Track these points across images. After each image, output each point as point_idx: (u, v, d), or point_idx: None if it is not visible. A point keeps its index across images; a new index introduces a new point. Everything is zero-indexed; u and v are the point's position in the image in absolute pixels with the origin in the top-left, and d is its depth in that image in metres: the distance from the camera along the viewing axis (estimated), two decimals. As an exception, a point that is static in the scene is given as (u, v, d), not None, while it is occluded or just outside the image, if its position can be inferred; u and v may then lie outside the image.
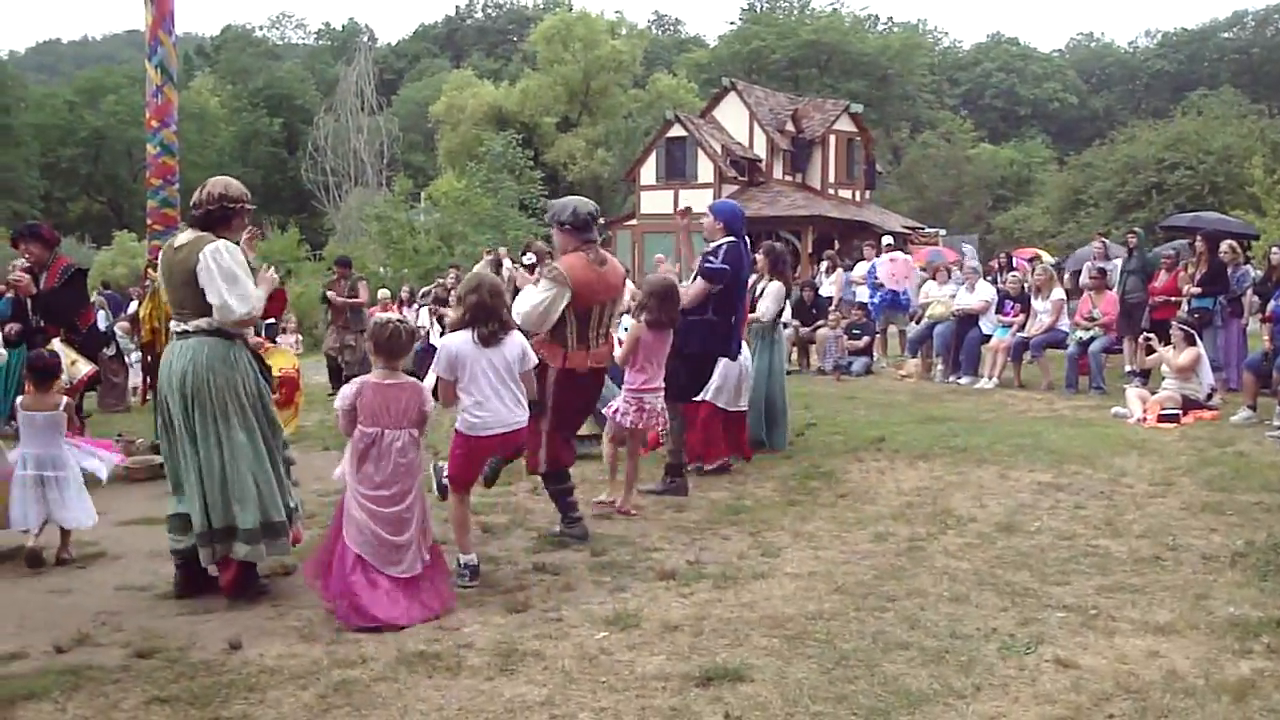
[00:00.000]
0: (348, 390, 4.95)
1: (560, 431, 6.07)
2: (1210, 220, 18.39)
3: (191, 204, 5.10)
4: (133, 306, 15.29)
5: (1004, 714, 3.65)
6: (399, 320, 5.08)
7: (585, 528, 6.05)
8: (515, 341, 5.35)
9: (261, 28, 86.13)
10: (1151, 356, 11.13)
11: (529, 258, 10.02)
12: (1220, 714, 3.60)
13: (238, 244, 5.12)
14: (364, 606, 4.65)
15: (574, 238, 6.03)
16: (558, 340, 5.95)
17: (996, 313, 13.53)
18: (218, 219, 5.06)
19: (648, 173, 33.61)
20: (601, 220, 6.21)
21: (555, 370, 5.94)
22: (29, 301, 8.06)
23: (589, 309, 5.93)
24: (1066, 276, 16.45)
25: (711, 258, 7.12)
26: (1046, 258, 16.96)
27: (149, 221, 8.43)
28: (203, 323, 4.93)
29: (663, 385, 6.70)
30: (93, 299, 13.28)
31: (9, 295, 8.34)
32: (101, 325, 12.97)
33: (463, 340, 5.24)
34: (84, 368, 7.93)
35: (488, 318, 5.23)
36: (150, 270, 8.14)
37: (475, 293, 5.28)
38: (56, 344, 7.85)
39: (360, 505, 4.82)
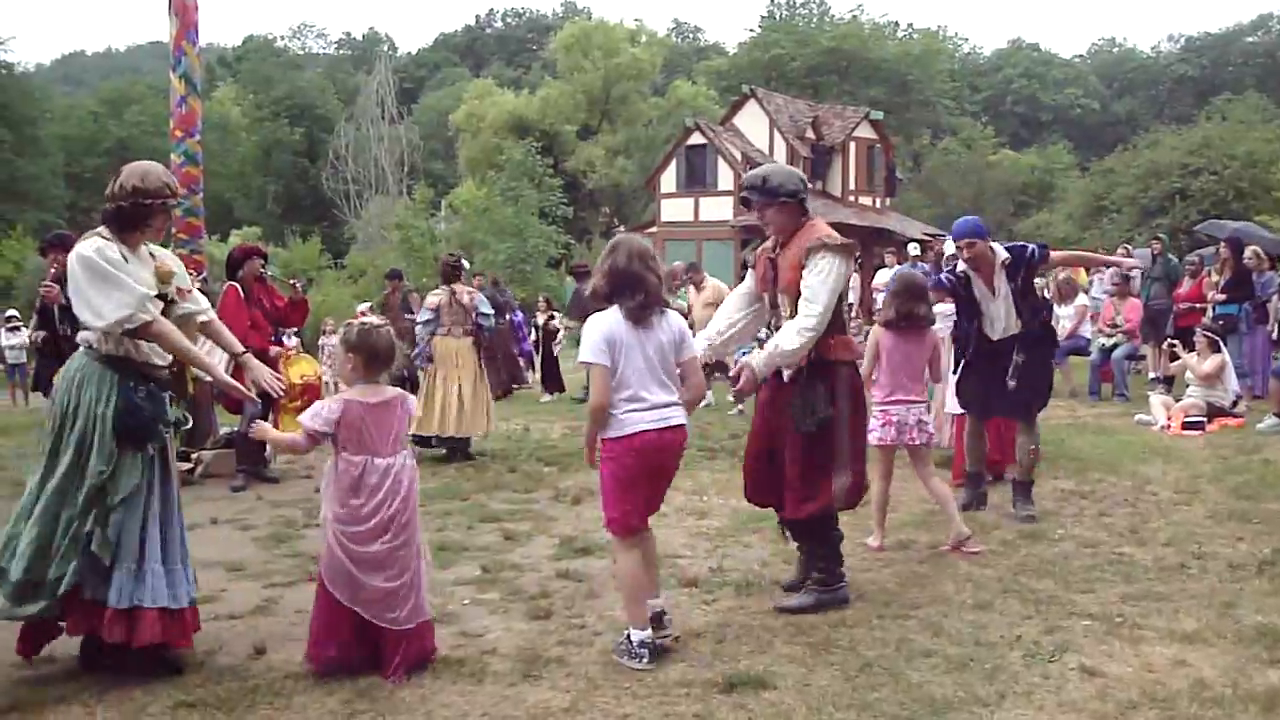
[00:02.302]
0: (327, 411, 4.09)
1: (859, 449, 4.88)
2: (1252, 234, 18.13)
3: (105, 196, 4.29)
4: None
5: (1029, 722, 3.63)
6: (383, 323, 4.27)
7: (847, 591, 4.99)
8: (672, 322, 4.27)
9: (283, 38, 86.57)
10: (1176, 363, 11.07)
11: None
12: (1248, 723, 3.57)
13: (165, 246, 4.42)
14: (340, 659, 4.11)
15: (799, 212, 4.89)
16: (837, 326, 4.81)
17: (1018, 319, 13.47)
18: (129, 218, 4.21)
19: (668, 180, 33.62)
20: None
21: (844, 367, 4.81)
22: (56, 310, 8.13)
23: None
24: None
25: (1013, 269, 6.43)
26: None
27: (174, 230, 8.51)
28: (89, 336, 4.22)
29: (919, 397, 5.94)
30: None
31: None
32: None
33: (614, 318, 4.19)
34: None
35: (631, 287, 4.16)
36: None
37: (611, 255, 4.24)
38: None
39: (341, 546, 4.06)
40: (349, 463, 4.08)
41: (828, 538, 4.88)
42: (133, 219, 4.22)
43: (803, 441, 4.72)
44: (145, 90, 51.95)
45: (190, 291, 4.53)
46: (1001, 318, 6.53)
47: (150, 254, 4.36)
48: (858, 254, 4.75)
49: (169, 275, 4.35)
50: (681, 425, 4.26)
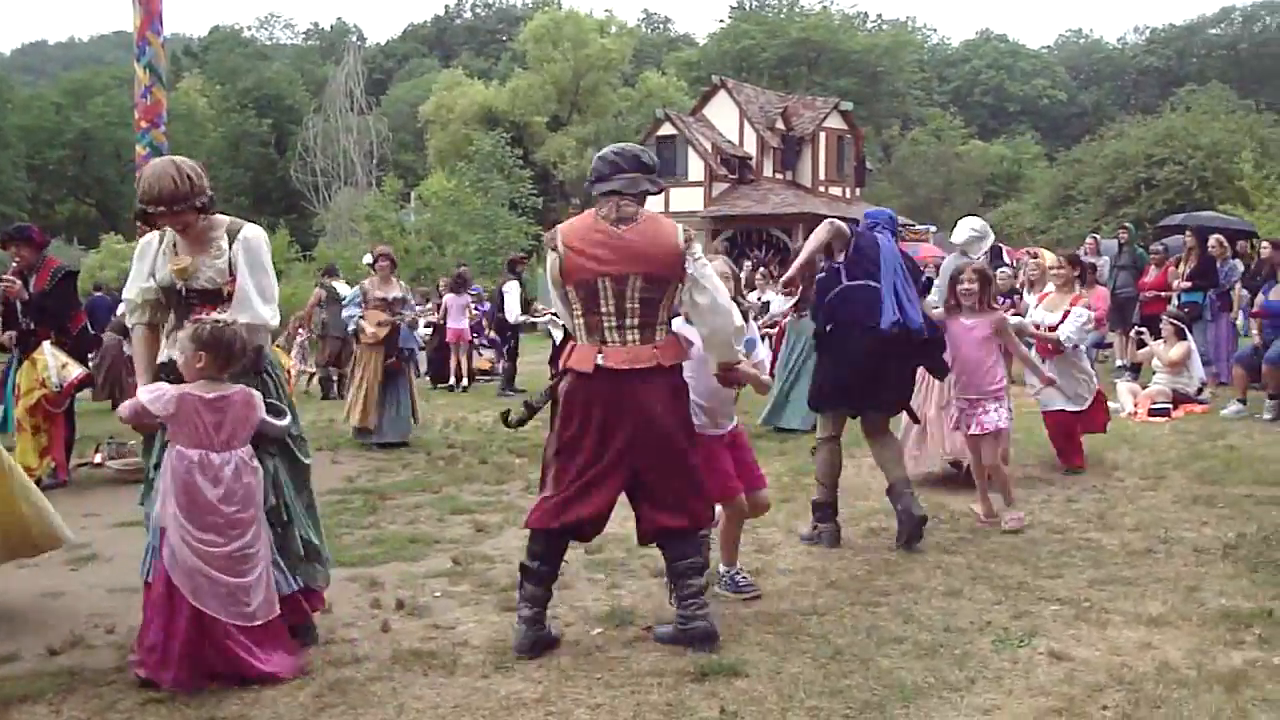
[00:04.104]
0: (164, 400, 3.99)
1: (556, 466, 4.35)
2: (1207, 218, 18.31)
3: None
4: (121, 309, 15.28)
5: (998, 706, 3.66)
6: (228, 321, 4.13)
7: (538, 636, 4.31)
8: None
9: (249, 28, 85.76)
10: (1143, 350, 11.17)
11: (366, 258, 10.59)
12: (1212, 704, 3.61)
13: (130, 239, 4.41)
14: (208, 661, 3.95)
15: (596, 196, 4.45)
16: (574, 331, 4.43)
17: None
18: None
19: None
20: (650, 164, 4.49)
21: (566, 376, 4.38)
22: (19, 305, 8.02)
23: (591, 282, 4.24)
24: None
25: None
26: (1049, 257, 16.39)
27: (138, 223, 8.40)
28: None
29: (994, 385, 6.12)
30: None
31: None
32: None
33: None
34: (74, 370, 7.90)
35: None
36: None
37: None
38: (46, 347, 7.82)
39: (188, 545, 3.94)
40: (184, 456, 3.99)
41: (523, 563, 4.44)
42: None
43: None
44: (109, 81, 51.18)
45: (233, 288, 4.33)
46: None
47: (222, 245, 4.32)
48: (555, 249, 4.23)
49: (183, 271, 4.29)
50: None
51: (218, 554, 3.97)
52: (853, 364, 5.73)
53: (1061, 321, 7.54)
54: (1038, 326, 7.52)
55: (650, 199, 4.47)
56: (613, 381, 4.20)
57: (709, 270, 4.33)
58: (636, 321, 4.24)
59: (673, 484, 4.30)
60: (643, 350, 4.23)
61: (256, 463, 4.13)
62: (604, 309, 4.24)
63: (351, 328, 9.75)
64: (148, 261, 4.35)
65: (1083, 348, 7.81)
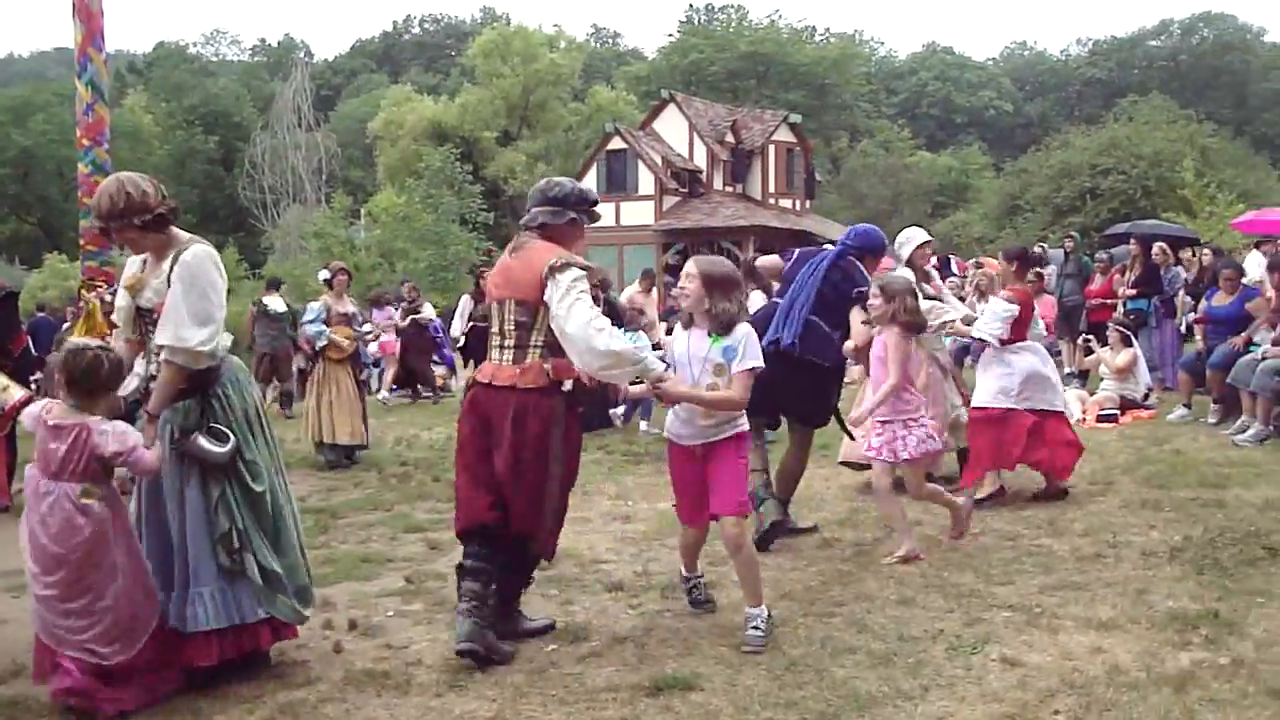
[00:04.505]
0: (32, 412, 4.03)
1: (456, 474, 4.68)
2: (1150, 226, 18.65)
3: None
4: (65, 327, 15.01)
5: (952, 714, 3.68)
6: (100, 348, 4.01)
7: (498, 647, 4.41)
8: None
9: (195, 44, 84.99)
10: (1090, 358, 11.32)
11: (323, 274, 10.57)
12: (1161, 705, 3.66)
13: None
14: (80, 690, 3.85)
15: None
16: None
17: (937, 318, 13.65)
18: None
19: (588, 185, 33.47)
20: (564, 196, 4.77)
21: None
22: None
23: (490, 305, 4.65)
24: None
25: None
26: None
27: (82, 241, 8.31)
28: None
29: (904, 408, 5.58)
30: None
31: None
32: None
33: None
34: (16, 393, 7.71)
35: None
36: (84, 291, 8.00)
37: None
38: (-13, 369, 7.67)
39: (29, 569, 3.87)
40: (26, 475, 3.95)
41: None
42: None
43: None
44: (50, 98, 50.38)
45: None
46: None
47: (165, 266, 4.19)
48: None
49: (130, 288, 4.27)
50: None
51: (37, 587, 3.84)
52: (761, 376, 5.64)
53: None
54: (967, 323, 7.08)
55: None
56: (478, 393, 4.53)
57: (568, 300, 4.29)
58: (512, 343, 4.49)
59: (520, 496, 4.40)
60: (506, 369, 4.46)
61: (98, 507, 3.87)
62: (494, 329, 4.59)
63: (322, 343, 9.60)
64: (127, 277, 4.37)
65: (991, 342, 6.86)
